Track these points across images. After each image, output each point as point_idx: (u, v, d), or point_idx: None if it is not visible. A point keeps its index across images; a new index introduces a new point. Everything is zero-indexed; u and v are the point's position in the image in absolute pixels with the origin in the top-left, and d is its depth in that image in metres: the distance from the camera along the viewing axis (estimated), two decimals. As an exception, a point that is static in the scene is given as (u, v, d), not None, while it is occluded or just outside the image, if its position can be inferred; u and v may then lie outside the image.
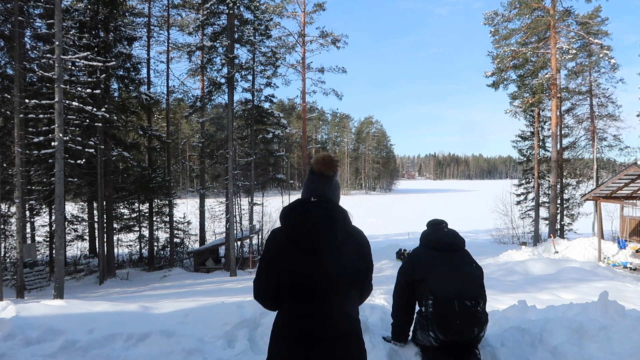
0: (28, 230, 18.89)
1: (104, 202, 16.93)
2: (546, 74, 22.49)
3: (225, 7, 17.23)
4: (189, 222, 23.19)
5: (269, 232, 1.97)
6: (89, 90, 14.33)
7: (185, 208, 23.81)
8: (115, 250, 19.44)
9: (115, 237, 19.51)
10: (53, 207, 15.86)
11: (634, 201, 16.67)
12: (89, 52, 14.17)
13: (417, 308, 3.07)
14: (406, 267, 3.05)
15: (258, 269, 1.84)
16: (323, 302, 1.73)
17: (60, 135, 11.68)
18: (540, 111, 25.67)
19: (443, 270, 2.88)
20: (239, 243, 20.66)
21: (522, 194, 28.00)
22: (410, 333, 3.18)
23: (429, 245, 3.09)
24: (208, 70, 19.03)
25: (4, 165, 14.88)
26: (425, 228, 3.26)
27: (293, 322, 1.74)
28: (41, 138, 13.64)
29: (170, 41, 22.17)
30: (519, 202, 27.81)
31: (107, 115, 15.70)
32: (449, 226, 3.23)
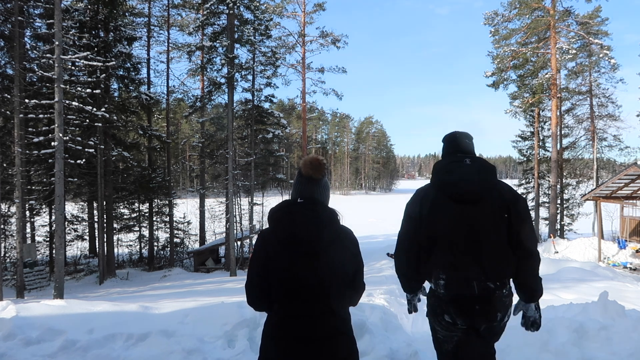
0: (28, 230, 18.88)
1: (104, 202, 16.92)
2: (546, 74, 22.49)
3: (225, 7, 17.23)
4: (189, 222, 23.19)
5: (259, 233, 1.97)
6: (89, 90, 14.33)
7: (185, 208, 23.80)
8: (115, 250, 19.43)
9: (115, 237, 19.50)
10: (53, 207, 15.84)
11: (634, 201, 16.68)
12: (89, 52, 14.17)
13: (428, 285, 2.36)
14: (409, 223, 2.25)
15: (249, 272, 1.83)
16: (313, 302, 1.74)
17: (60, 135, 11.67)
18: (540, 111, 25.67)
19: (459, 234, 2.07)
20: (239, 243, 20.65)
21: (522, 194, 27.88)
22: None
23: (440, 188, 2.14)
24: (208, 70, 19.02)
25: (4, 165, 14.88)
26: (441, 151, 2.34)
27: (284, 323, 1.75)
28: (41, 138, 13.63)
29: (170, 41, 22.17)
30: (519, 202, 27.76)
31: (107, 115, 15.69)
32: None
